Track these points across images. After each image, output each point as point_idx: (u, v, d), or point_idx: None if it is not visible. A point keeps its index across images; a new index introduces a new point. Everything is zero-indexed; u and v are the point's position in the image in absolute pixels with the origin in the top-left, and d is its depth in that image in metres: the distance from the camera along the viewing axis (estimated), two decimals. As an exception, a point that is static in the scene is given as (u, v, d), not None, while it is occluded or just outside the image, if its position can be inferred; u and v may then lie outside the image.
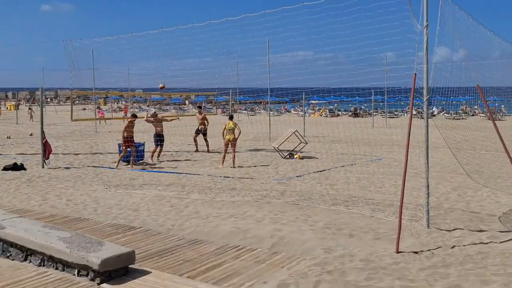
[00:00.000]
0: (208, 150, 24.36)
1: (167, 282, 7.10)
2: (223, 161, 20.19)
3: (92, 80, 36.12)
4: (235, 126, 20.20)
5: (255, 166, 20.12)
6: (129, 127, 20.31)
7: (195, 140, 24.96)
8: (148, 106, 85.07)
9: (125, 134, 20.10)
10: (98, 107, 52.20)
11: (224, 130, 20.40)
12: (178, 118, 24.45)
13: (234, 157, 20.00)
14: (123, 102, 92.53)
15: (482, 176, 16.12)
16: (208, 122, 25.42)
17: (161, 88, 22.68)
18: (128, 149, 20.16)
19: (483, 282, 7.44)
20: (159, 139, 21.84)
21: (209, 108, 74.43)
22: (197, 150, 24.45)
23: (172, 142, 28.50)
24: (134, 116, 21.64)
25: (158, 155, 22.00)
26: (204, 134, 24.80)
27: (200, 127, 24.71)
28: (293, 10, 13.37)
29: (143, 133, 32.54)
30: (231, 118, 20.87)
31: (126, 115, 51.72)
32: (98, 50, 24.37)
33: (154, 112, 24.03)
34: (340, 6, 11.91)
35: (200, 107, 28.58)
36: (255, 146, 27.47)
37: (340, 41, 13.96)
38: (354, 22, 12.77)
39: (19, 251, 8.02)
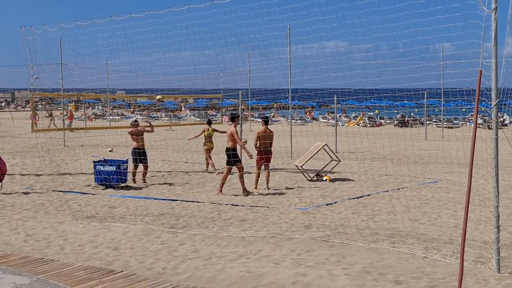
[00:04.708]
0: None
1: None
2: (215, 168, 24.06)
3: (59, 79, 36.31)
4: (213, 133, 24.86)
5: (272, 191, 20.12)
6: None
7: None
8: (132, 113, 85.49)
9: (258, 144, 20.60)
10: (35, 110, 51.90)
11: (202, 134, 25.24)
12: (151, 128, 24.10)
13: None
14: (99, 108, 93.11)
15: None
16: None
17: (159, 100, 22.80)
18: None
19: None
20: (139, 155, 21.85)
21: (213, 115, 74.61)
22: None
23: (164, 159, 28.61)
24: (266, 119, 21.76)
25: (144, 176, 22.05)
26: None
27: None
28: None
29: (126, 148, 32.68)
30: (209, 123, 25.69)
31: (70, 124, 51.51)
32: (67, 39, 24.44)
33: (136, 120, 23.98)
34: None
35: (234, 118, 21.48)
36: (272, 164, 27.47)
37: (384, 27, 13.94)
38: (401, 3, 12.82)
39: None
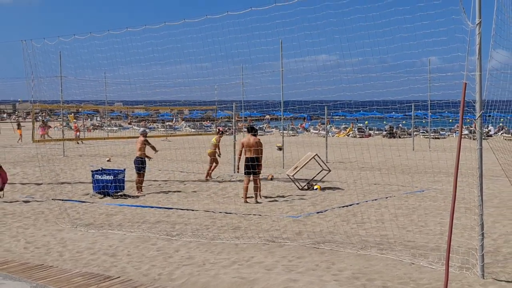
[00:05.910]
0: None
1: None
2: (207, 174, 25.39)
3: (59, 91, 36.30)
4: (216, 143, 25.69)
5: (264, 199, 20.11)
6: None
7: None
8: (129, 124, 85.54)
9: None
10: (44, 123, 51.75)
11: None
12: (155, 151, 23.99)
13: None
14: (98, 119, 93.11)
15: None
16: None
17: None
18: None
19: None
20: (142, 165, 21.78)
21: (207, 126, 74.76)
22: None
23: (160, 168, 28.57)
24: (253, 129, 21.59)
25: (137, 184, 21.96)
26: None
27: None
28: (312, 2, 13.40)
29: (124, 158, 32.64)
30: (218, 133, 27.01)
31: (78, 135, 51.55)
32: (66, 52, 24.45)
33: (144, 130, 23.83)
34: (371, -3, 11.99)
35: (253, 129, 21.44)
36: (264, 174, 27.48)
37: (372, 42, 13.95)
38: (389, 18, 12.84)
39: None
